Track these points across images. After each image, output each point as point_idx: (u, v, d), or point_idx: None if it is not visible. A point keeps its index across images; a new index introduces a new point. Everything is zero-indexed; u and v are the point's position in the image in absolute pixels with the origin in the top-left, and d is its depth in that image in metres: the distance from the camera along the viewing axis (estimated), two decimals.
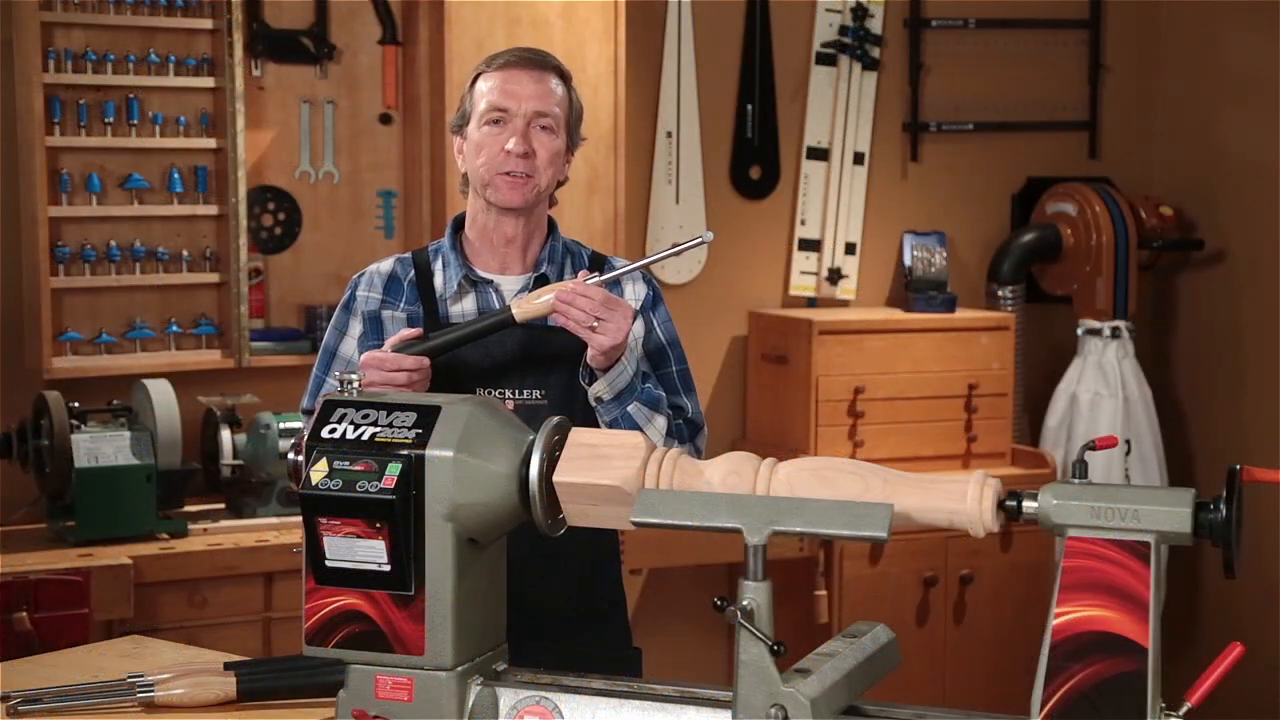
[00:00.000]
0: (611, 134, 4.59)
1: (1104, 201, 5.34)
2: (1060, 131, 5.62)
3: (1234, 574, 1.83)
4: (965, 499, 1.90)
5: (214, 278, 4.47)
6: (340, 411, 2.09)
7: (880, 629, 2.11)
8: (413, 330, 2.65)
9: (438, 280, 2.75)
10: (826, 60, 5.27)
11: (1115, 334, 5.30)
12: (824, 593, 4.78)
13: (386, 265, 2.80)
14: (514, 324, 2.62)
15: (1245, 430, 5.38)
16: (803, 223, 5.29)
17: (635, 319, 2.67)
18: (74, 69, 4.26)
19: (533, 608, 2.58)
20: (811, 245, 5.29)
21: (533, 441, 2.05)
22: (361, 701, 2.05)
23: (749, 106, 5.19)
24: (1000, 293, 5.36)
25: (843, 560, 4.81)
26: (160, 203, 4.41)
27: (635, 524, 1.94)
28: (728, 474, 1.99)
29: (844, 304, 5.30)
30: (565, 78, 2.75)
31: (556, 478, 2.02)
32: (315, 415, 2.11)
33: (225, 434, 4.21)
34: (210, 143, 4.43)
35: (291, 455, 2.16)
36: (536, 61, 2.73)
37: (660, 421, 2.65)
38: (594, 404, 2.62)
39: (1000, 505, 1.90)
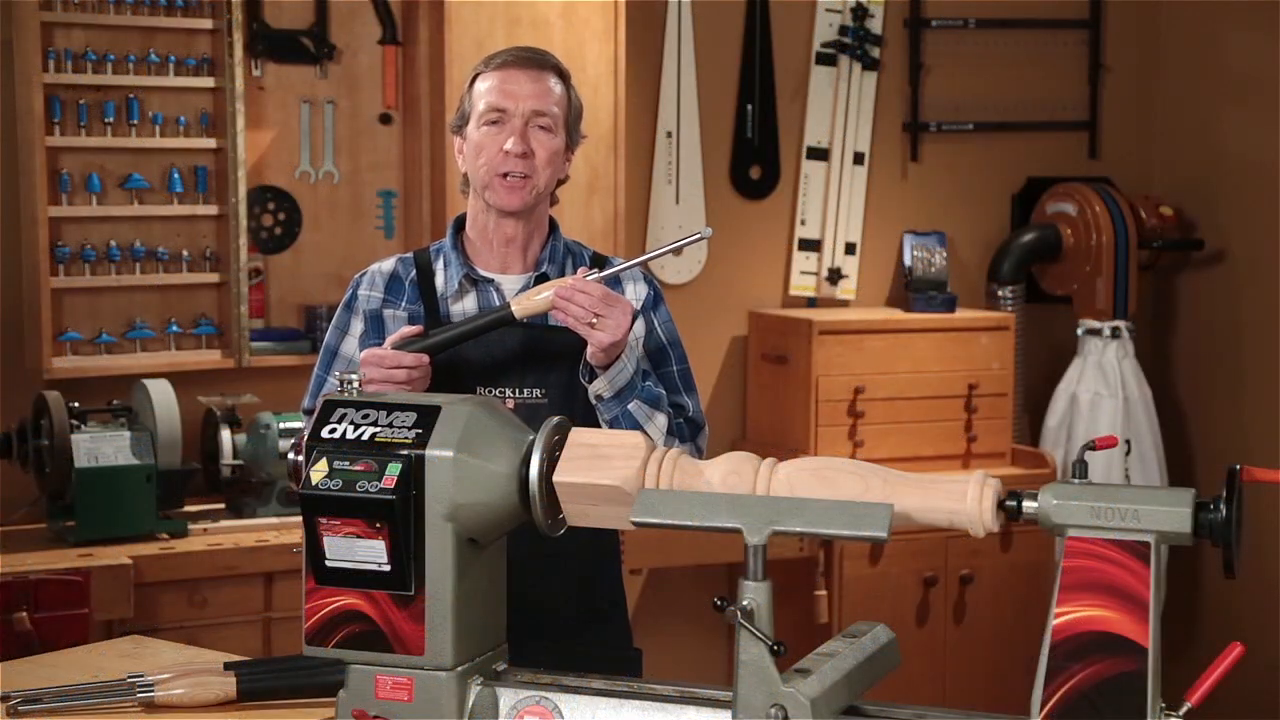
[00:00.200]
0: (611, 134, 4.59)
1: (1104, 201, 5.35)
2: (1060, 131, 5.62)
3: (1234, 574, 1.83)
4: (965, 499, 1.90)
5: (214, 278, 4.47)
6: (340, 411, 2.09)
7: (880, 629, 2.11)
8: (413, 328, 2.65)
9: (439, 279, 2.76)
10: (826, 60, 5.27)
11: (1115, 334, 5.30)
12: (824, 593, 4.78)
13: (388, 265, 2.80)
14: (513, 321, 2.62)
15: (1245, 430, 5.38)
16: (803, 223, 5.29)
17: (635, 317, 2.67)
18: (74, 69, 4.26)
19: (533, 608, 2.58)
20: (811, 245, 5.29)
21: (533, 441, 2.05)
22: (361, 701, 2.05)
23: (749, 106, 5.19)
24: (1000, 293, 5.36)
25: (843, 560, 4.81)
26: (160, 203, 4.41)
27: (635, 524, 1.94)
28: (728, 474, 1.99)
29: (844, 304, 5.30)
30: (564, 76, 2.76)
31: (556, 478, 2.02)
32: (315, 415, 2.11)
33: (225, 434, 4.21)
34: (210, 143, 4.43)
35: (291, 455, 2.16)
36: (534, 61, 2.73)
37: (661, 420, 2.65)
38: (594, 402, 2.62)
39: (1000, 505, 1.90)
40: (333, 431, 2.07)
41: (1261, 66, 5.29)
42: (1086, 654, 1.80)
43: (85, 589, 3.79)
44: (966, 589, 4.94)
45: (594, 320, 2.54)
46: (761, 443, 5.01)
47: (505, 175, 2.68)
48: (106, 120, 4.31)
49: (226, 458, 4.21)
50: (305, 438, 2.09)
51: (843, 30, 5.25)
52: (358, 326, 2.76)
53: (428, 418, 2.04)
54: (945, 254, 5.33)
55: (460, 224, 2.80)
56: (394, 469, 2.01)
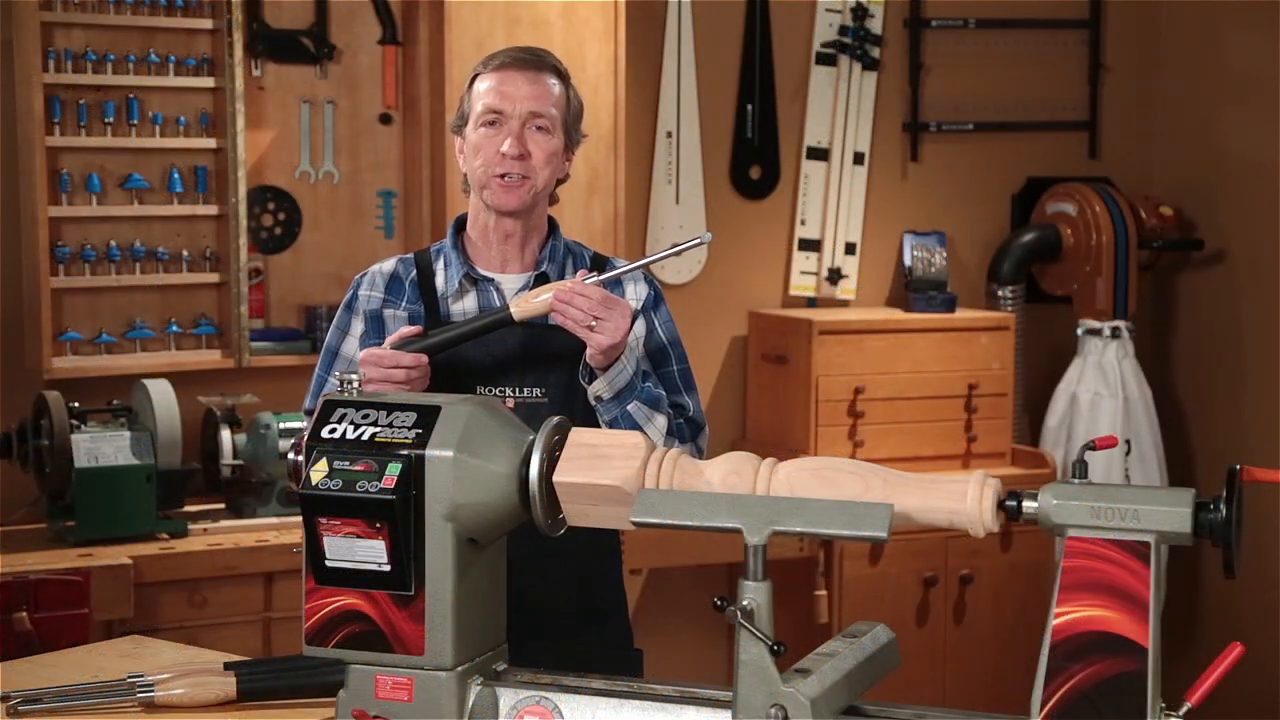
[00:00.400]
0: (611, 134, 4.59)
1: (1104, 201, 5.35)
2: (1060, 131, 5.62)
3: (1234, 574, 1.83)
4: (965, 499, 1.90)
5: (214, 278, 4.47)
6: (340, 411, 2.09)
7: (880, 629, 2.12)
8: (412, 328, 2.65)
9: (439, 279, 2.76)
10: (826, 60, 5.27)
11: (1115, 334, 5.30)
12: (824, 593, 4.78)
13: (389, 265, 2.81)
14: (512, 323, 2.62)
15: (1245, 430, 5.38)
16: (803, 223, 5.29)
17: (635, 319, 2.67)
18: (74, 69, 4.26)
19: (533, 608, 2.58)
20: (811, 245, 5.29)
21: (533, 441, 2.05)
22: (361, 701, 2.05)
23: (749, 106, 5.19)
24: (1000, 293, 5.36)
25: (843, 560, 4.81)
26: (160, 203, 4.41)
27: (635, 524, 1.95)
28: (728, 474, 1.99)
29: (844, 304, 5.30)
30: (562, 76, 2.76)
31: (556, 478, 2.02)
32: (315, 415, 2.11)
33: (225, 434, 4.21)
34: (210, 143, 4.43)
35: (291, 455, 2.16)
36: (532, 61, 2.73)
37: (660, 420, 2.65)
38: (594, 403, 2.62)
39: (1000, 505, 1.90)
40: (333, 431, 2.07)
41: (1261, 66, 5.29)
42: (1086, 654, 1.80)
43: (85, 589, 3.79)
44: (966, 589, 4.94)
45: (593, 323, 2.54)
46: (761, 443, 5.01)
47: (502, 176, 2.68)
48: (106, 120, 4.31)
49: (226, 458, 4.21)
50: (305, 438, 2.09)
51: (843, 30, 5.25)
52: (358, 327, 2.77)
53: (428, 418, 2.04)
54: (945, 254, 5.33)
55: (461, 224, 2.81)
56: (394, 469, 2.01)
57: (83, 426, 4.01)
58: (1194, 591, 5.49)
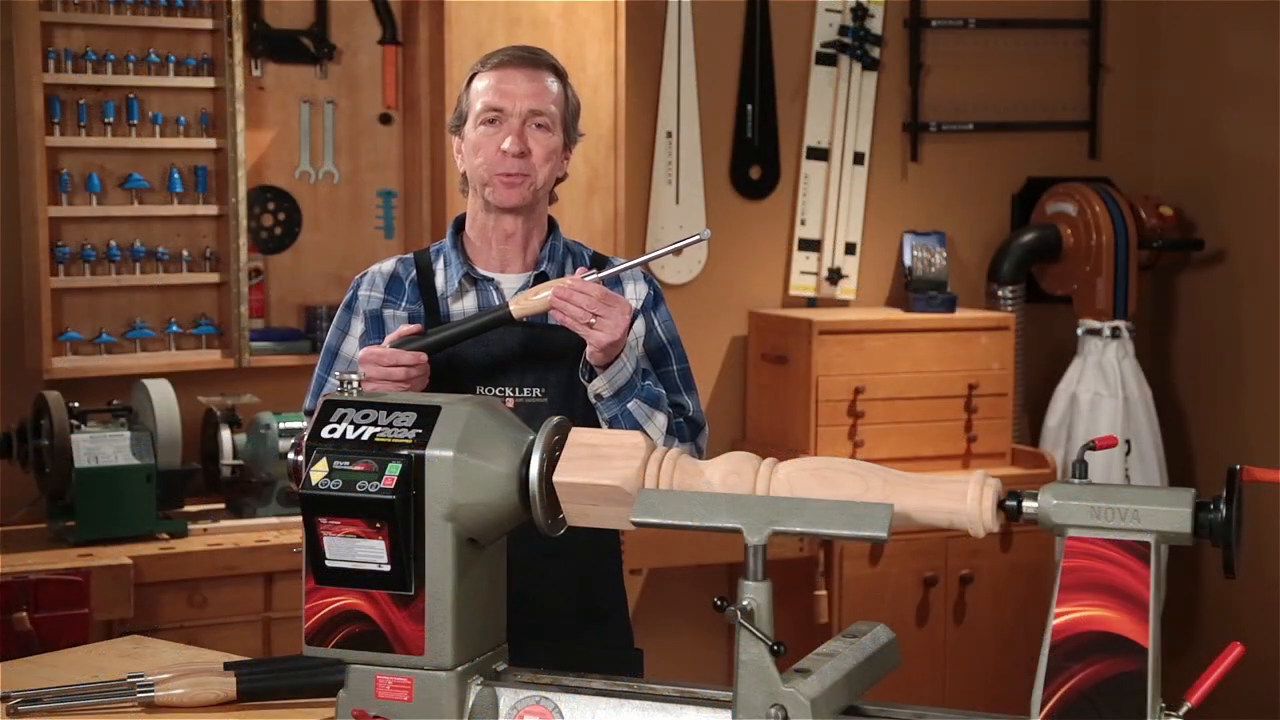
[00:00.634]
0: (611, 134, 4.59)
1: (1104, 201, 5.35)
2: (1060, 131, 5.62)
3: (1234, 574, 1.83)
4: (965, 499, 1.90)
5: (214, 278, 4.47)
6: (340, 411, 2.09)
7: (880, 629, 2.11)
8: (411, 326, 2.65)
9: (439, 279, 2.76)
10: (826, 60, 5.27)
11: (1115, 334, 5.30)
12: (824, 593, 4.78)
13: (388, 265, 2.81)
14: (512, 321, 2.62)
15: (1245, 430, 5.38)
16: (803, 223, 5.29)
17: (634, 317, 2.67)
18: (74, 69, 4.26)
19: (533, 608, 2.58)
20: (811, 245, 5.29)
21: (533, 441, 2.05)
22: (361, 701, 2.05)
23: (749, 106, 5.19)
24: (1000, 293, 5.36)
25: (843, 560, 4.81)
26: (160, 203, 4.41)
27: (635, 524, 1.94)
28: (728, 474, 1.99)
29: (844, 304, 5.30)
30: (560, 74, 2.76)
31: (556, 478, 2.02)
32: (315, 415, 2.11)
33: (225, 434, 4.21)
34: (210, 143, 4.43)
35: (291, 455, 2.16)
36: (530, 60, 2.73)
37: (660, 419, 2.65)
38: (594, 401, 2.62)
39: (1000, 505, 1.90)
40: (333, 431, 2.07)
41: (1261, 66, 5.29)
42: (1086, 654, 1.80)
43: (85, 589, 3.79)
44: (966, 589, 4.94)
45: (592, 320, 2.55)
46: (761, 443, 5.01)
47: (503, 174, 2.68)
48: (106, 120, 4.31)
49: (226, 458, 4.21)
50: (305, 438, 2.09)
51: (843, 30, 5.25)
52: (358, 327, 2.77)
53: (428, 418, 2.04)
54: (945, 254, 5.33)
55: (460, 224, 2.81)
56: (394, 469, 2.01)
57: (83, 426, 4.01)
58: (1194, 591, 5.48)
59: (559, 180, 2.79)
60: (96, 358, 4.34)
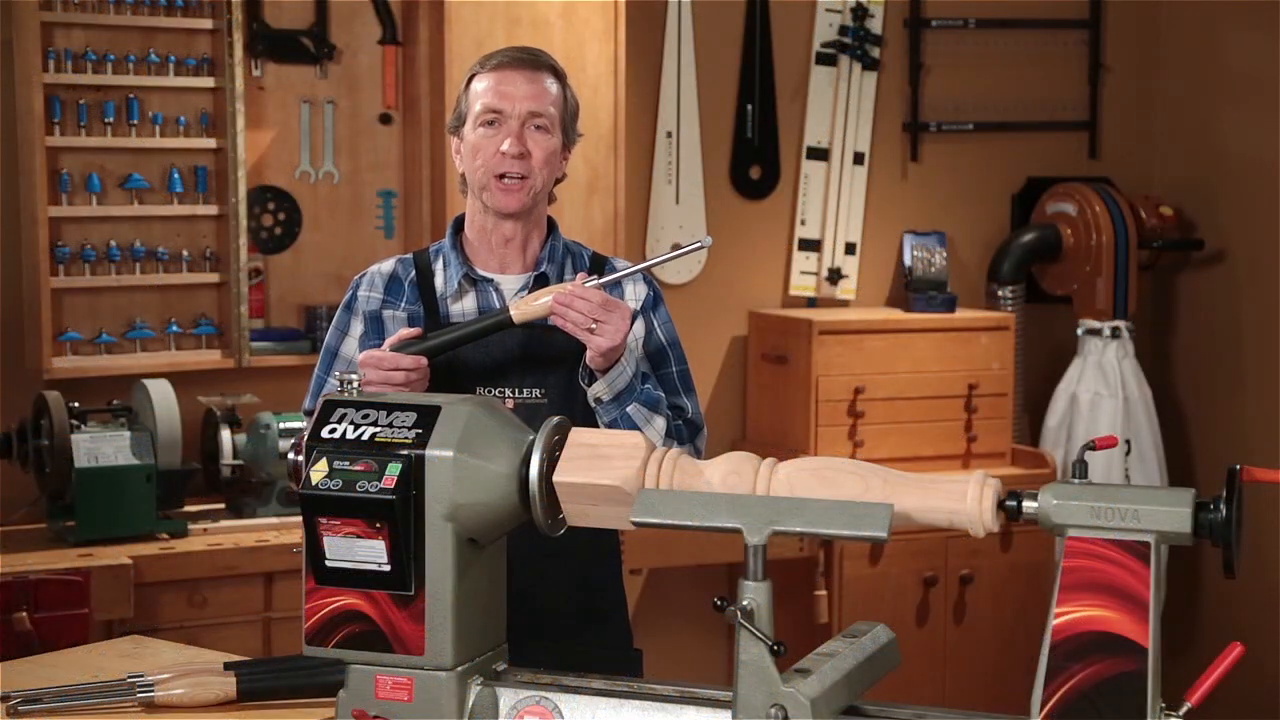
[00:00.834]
0: (611, 134, 4.59)
1: (1104, 201, 5.35)
2: (1060, 131, 5.62)
3: (1234, 574, 1.83)
4: (965, 499, 1.90)
5: (214, 278, 4.47)
6: (340, 411, 2.09)
7: (880, 629, 2.12)
8: (411, 330, 2.65)
9: (438, 280, 2.76)
10: (826, 60, 5.27)
11: (1115, 334, 5.30)
12: (824, 593, 4.78)
13: (388, 266, 2.81)
14: (512, 325, 2.62)
15: (1245, 430, 5.38)
16: (803, 223, 5.29)
17: (634, 320, 2.67)
18: (74, 69, 4.26)
19: (533, 608, 2.58)
20: (811, 245, 5.29)
21: (533, 441, 2.05)
22: (361, 701, 2.05)
23: (749, 106, 5.19)
24: (1000, 293, 5.36)
25: (843, 560, 4.81)
26: (160, 203, 4.41)
27: (635, 524, 1.95)
28: (728, 474, 1.99)
29: (844, 304, 5.30)
30: (559, 75, 2.76)
31: (556, 478, 2.02)
32: (315, 415, 2.11)
33: (225, 434, 4.21)
34: (210, 143, 4.43)
35: (291, 455, 2.16)
36: (529, 61, 2.73)
37: (659, 422, 2.65)
38: (593, 405, 2.62)
39: (1000, 505, 1.90)
40: (333, 431, 2.07)
41: (1261, 66, 5.28)
42: (1086, 654, 1.80)
43: (85, 589, 3.79)
44: (966, 589, 4.94)
45: (593, 326, 2.55)
46: (761, 443, 5.01)
47: (502, 176, 2.68)
48: (106, 120, 4.31)
49: (226, 458, 4.21)
50: (305, 438, 2.09)
51: (843, 30, 5.25)
52: (357, 327, 2.77)
53: (428, 418, 2.04)
54: (945, 254, 5.33)
55: (460, 224, 2.81)
56: (394, 469, 2.01)
57: (83, 426, 4.01)
58: (1194, 591, 5.48)
59: (558, 181, 2.79)
60: (96, 358, 4.34)
